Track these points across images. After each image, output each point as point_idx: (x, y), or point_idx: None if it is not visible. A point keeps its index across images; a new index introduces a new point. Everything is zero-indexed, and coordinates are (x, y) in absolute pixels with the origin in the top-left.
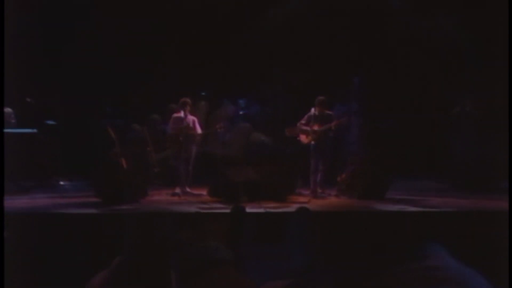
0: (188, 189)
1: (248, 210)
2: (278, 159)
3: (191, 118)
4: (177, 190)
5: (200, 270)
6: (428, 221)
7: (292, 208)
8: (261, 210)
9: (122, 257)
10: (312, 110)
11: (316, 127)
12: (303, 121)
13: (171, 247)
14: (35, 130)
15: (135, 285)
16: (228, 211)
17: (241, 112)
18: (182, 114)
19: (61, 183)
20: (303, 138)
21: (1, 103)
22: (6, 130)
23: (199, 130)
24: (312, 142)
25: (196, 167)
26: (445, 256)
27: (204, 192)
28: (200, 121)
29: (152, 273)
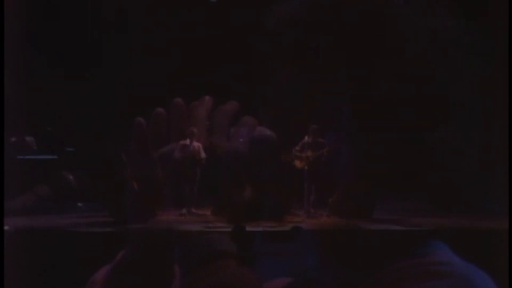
0: (193, 210)
1: (248, 228)
2: (276, 181)
3: (196, 144)
4: (184, 211)
5: (203, 262)
6: (409, 238)
7: (288, 227)
8: (260, 229)
9: (125, 251)
10: (306, 138)
11: (309, 153)
12: (297, 148)
13: (174, 239)
14: (55, 157)
15: (139, 279)
16: (229, 229)
17: (241, 140)
18: (188, 141)
19: (79, 204)
20: (297, 164)
21: (1, 107)
22: (29, 157)
23: (203, 155)
24: (306, 167)
25: (201, 187)
26: (448, 252)
27: (208, 212)
28: (204, 147)
29: (156, 267)
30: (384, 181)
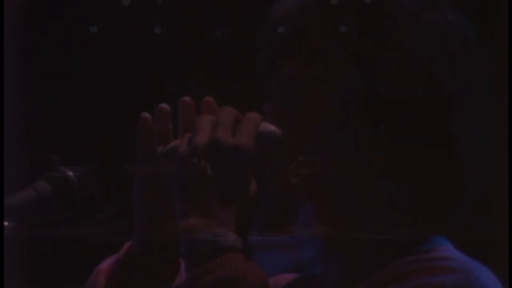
0: (199, 220)
1: (249, 237)
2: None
3: (203, 162)
4: (191, 221)
5: (209, 256)
6: (391, 246)
7: (285, 236)
8: (259, 238)
9: (130, 243)
10: (301, 156)
11: (304, 171)
12: (293, 165)
13: (179, 234)
14: (77, 173)
15: (144, 272)
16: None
17: (245, 135)
18: (196, 160)
19: (99, 215)
20: (293, 180)
21: (1, 107)
22: (52, 174)
23: (210, 172)
24: (301, 183)
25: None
26: (451, 248)
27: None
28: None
29: (161, 259)
30: (377, 193)
